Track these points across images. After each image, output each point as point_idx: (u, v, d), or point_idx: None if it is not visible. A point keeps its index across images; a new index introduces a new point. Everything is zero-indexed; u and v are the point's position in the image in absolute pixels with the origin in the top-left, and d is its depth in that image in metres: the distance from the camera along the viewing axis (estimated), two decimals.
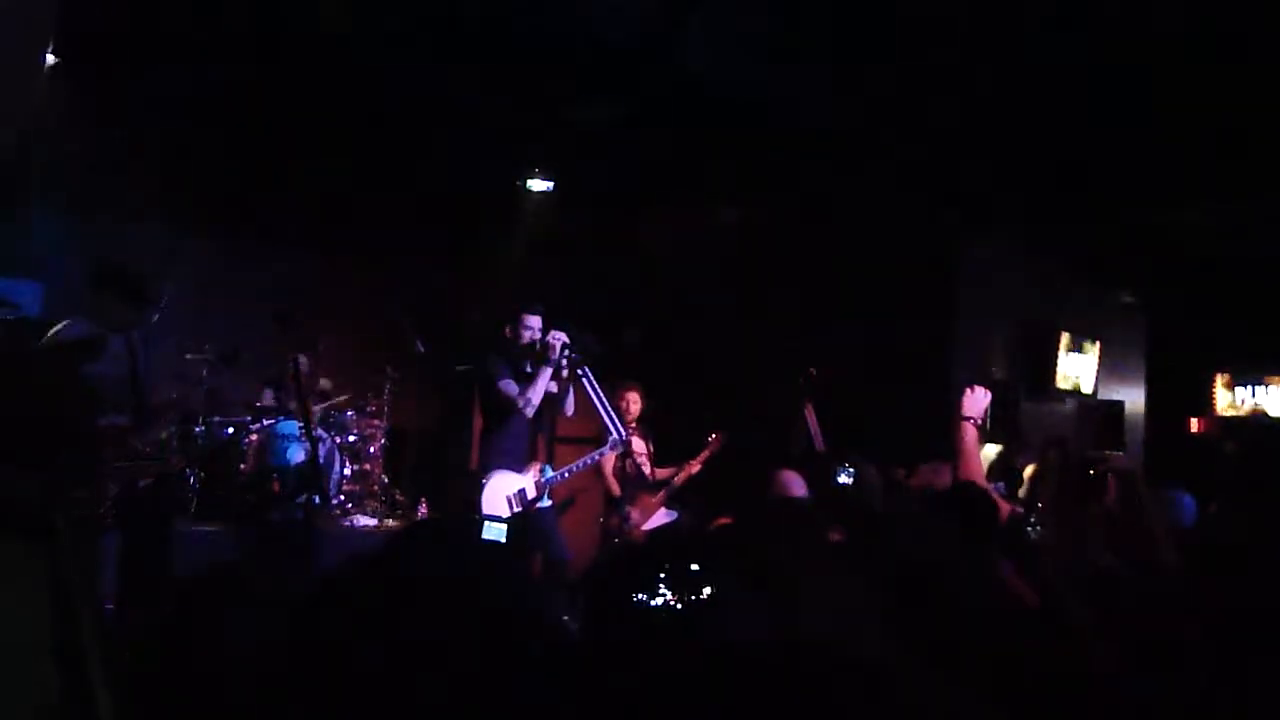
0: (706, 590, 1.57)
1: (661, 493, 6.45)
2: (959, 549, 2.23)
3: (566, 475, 5.72)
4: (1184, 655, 2.46)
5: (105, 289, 4.36)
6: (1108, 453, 7.78)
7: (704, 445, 6.57)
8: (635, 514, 6.22)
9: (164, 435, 5.17)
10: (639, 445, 6.55)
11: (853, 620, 1.83)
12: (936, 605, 2.00)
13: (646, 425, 6.78)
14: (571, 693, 1.34)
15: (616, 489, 6.40)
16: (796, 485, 4.44)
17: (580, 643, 1.61)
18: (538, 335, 5.55)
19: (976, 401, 3.77)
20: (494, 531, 4.57)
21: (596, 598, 1.66)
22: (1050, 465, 7.48)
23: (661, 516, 6.41)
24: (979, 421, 3.75)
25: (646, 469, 6.54)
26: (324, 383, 7.09)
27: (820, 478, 4.53)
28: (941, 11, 5.66)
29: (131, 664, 1.76)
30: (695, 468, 6.50)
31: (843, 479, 4.90)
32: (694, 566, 1.57)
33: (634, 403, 6.65)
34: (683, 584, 1.55)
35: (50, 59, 6.25)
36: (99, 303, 4.37)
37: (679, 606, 1.52)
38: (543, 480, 5.50)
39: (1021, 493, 6.09)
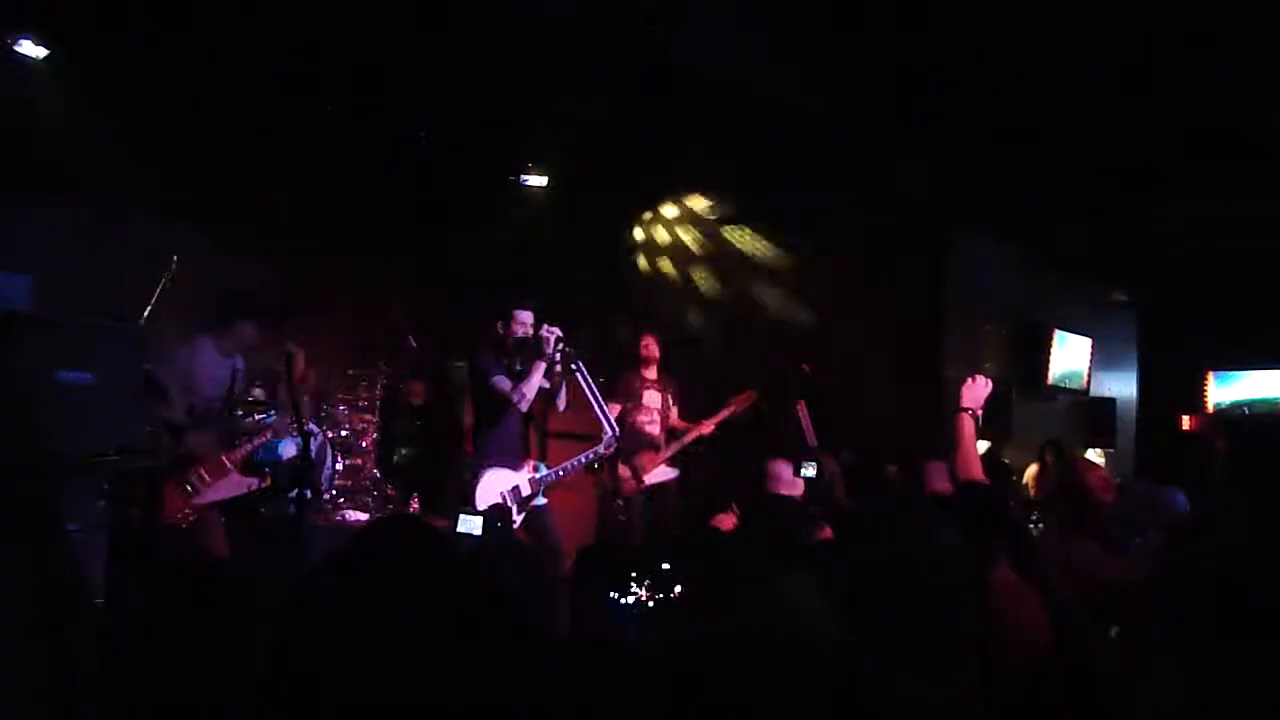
0: (677, 589, 1.58)
1: (665, 449, 6.42)
2: (954, 551, 2.22)
3: (560, 474, 5.69)
4: (1177, 652, 2.46)
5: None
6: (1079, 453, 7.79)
7: (729, 402, 6.49)
8: (643, 462, 6.21)
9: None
10: (652, 399, 6.53)
11: (829, 618, 1.83)
12: (921, 604, 1.99)
13: (668, 375, 6.73)
14: (552, 684, 1.33)
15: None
16: (788, 477, 4.46)
17: (562, 636, 1.61)
18: (530, 331, 5.52)
19: (976, 391, 3.62)
20: (469, 524, 4.55)
21: (575, 596, 1.66)
22: (1048, 465, 7.52)
23: (663, 473, 6.37)
24: (977, 413, 3.62)
25: (656, 429, 6.54)
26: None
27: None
28: (937, 8, 5.66)
29: (120, 657, 1.75)
30: (708, 428, 6.43)
31: (807, 472, 4.94)
32: (665, 566, 1.59)
33: (652, 346, 6.64)
34: (655, 583, 1.57)
35: (42, 50, 6.22)
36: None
37: (650, 604, 1.53)
38: (537, 478, 5.48)
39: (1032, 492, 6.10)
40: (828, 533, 3.64)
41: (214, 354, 5.28)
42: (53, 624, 1.74)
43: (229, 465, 5.14)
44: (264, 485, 5.34)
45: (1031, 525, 4.13)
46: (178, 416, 5.02)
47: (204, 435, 5.05)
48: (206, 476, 5.03)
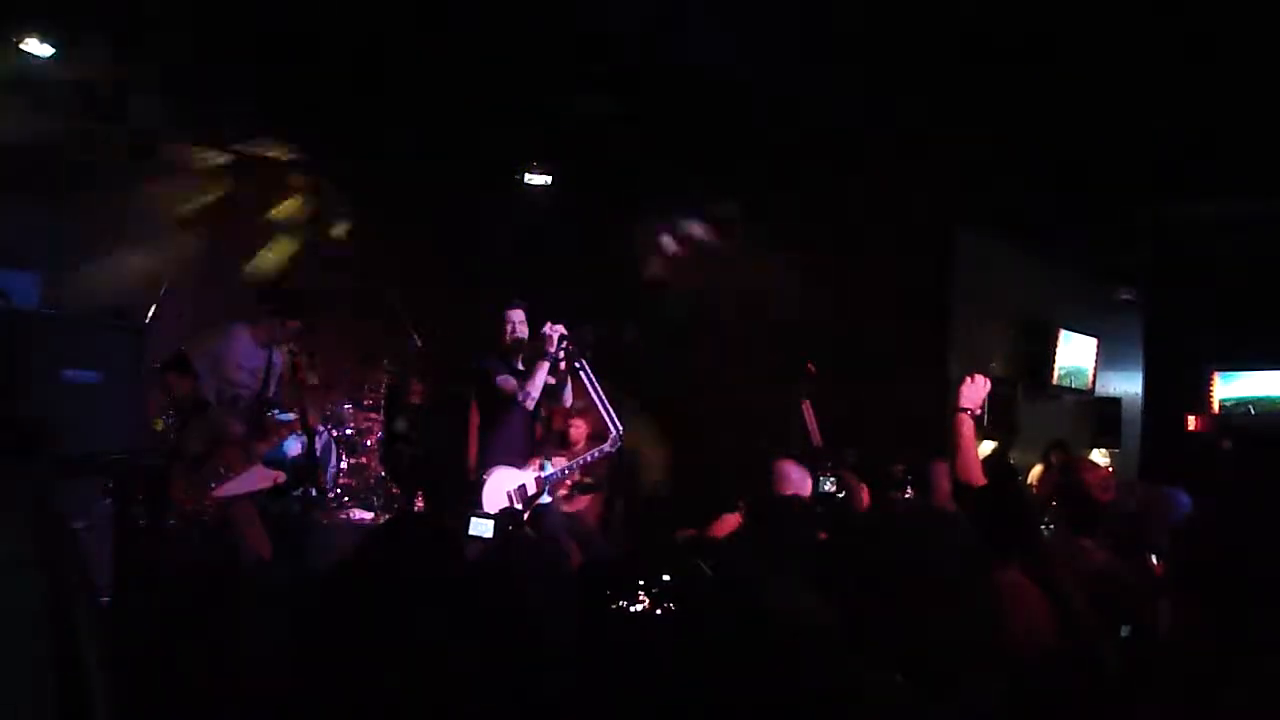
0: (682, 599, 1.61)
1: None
2: (962, 551, 2.22)
3: (566, 471, 5.68)
4: (1181, 650, 2.46)
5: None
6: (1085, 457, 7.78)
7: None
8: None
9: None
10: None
11: (829, 619, 1.83)
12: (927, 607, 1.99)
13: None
14: (563, 685, 1.33)
15: None
16: (799, 478, 4.45)
17: (572, 639, 1.61)
18: (521, 330, 5.53)
19: (975, 391, 3.62)
20: (481, 527, 4.55)
21: (584, 602, 1.67)
22: (1054, 466, 7.50)
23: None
24: (976, 413, 3.62)
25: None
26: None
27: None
28: (940, 7, 5.65)
29: (127, 652, 1.75)
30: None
31: (827, 487, 4.89)
32: (666, 577, 1.62)
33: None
34: (661, 592, 1.59)
35: (47, 49, 6.23)
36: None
37: (657, 612, 1.56)
38: (543, 476, 5.48)
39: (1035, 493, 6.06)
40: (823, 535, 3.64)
41: (249, 344, 5.29)
42: (57, 621, 1.74)
43: (254, 457, 5.09)
44: (283, 482, 5.29)
45: (1042, 527, 4.13)
46: (208, 396, 5.01)
47: (234, 423, 5.04)
48: (229, 467, 4.96)
